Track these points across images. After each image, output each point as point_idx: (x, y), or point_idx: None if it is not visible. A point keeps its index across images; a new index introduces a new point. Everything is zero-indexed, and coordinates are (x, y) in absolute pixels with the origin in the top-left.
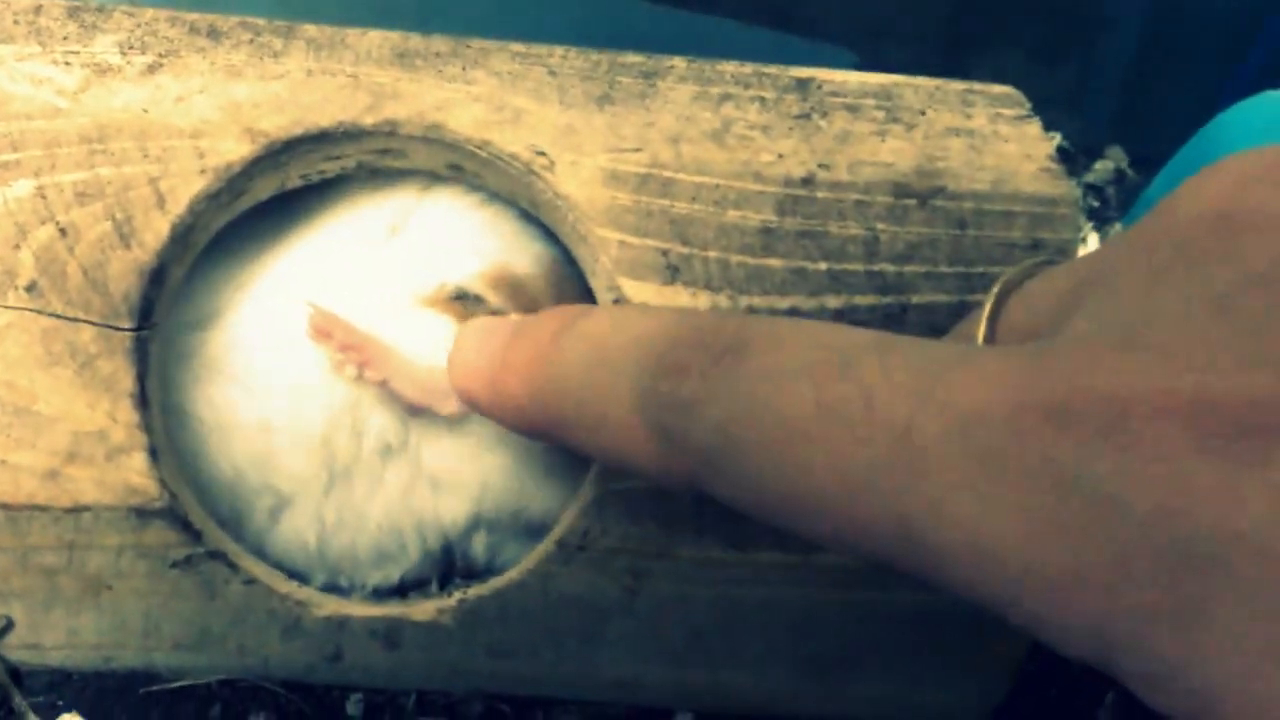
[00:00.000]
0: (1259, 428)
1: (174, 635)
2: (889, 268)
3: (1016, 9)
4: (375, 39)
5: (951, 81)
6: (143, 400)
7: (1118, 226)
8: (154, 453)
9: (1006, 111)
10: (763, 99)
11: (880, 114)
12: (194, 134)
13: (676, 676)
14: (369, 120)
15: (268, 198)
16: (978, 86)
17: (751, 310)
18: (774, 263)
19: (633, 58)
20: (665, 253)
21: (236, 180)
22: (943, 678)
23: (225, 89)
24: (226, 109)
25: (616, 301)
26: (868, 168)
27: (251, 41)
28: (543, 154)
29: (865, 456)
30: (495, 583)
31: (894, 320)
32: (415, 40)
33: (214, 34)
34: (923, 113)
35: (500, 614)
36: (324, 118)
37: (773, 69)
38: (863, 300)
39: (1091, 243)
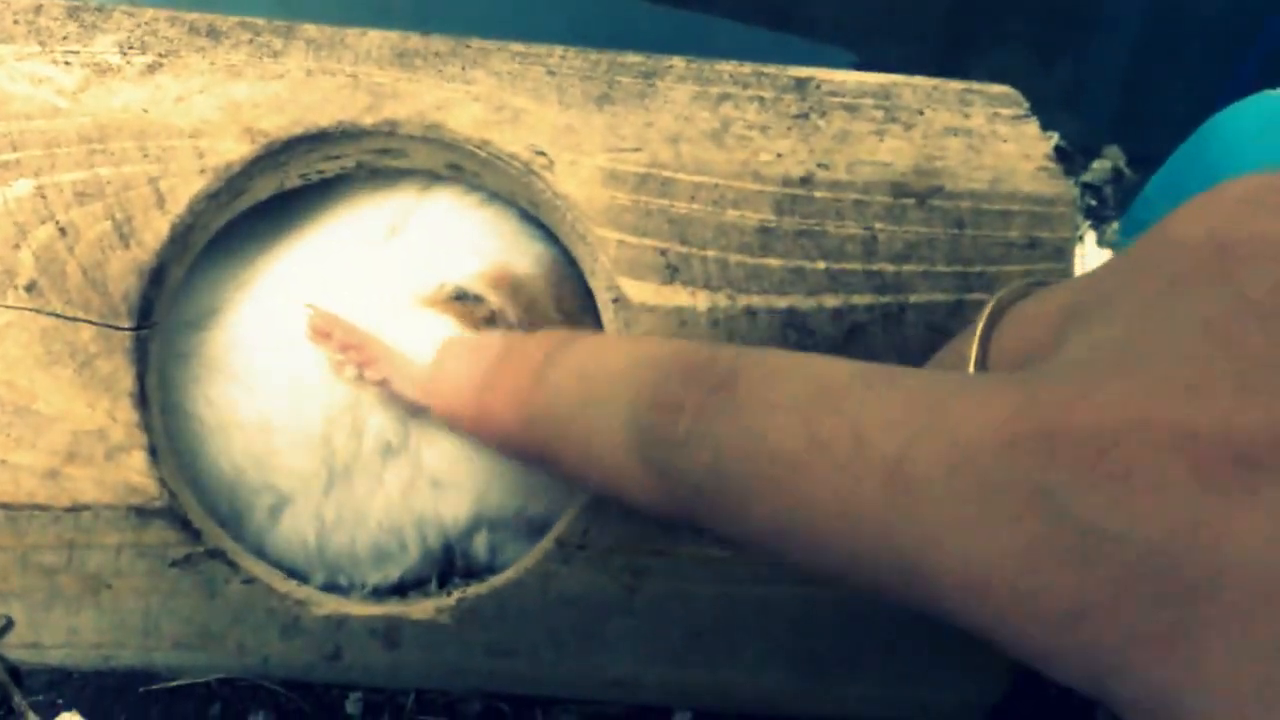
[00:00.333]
0: (1250, 459)
1: (173, 634)
2: (887, 267)
3: (1014, 9)
4: (375, 39)
5: (949, 81)
6: (142, 399)
7: (1115, 226)
8: (154, 452)
9: (1004, 111)
10: (761, 99)
11: (879, 114)
12: (194, 134)
13: (675, 676)
14: (368, 120)
15: (267, 197)
16: (976, 86)
17: (750, 310)
18: (772, 262)
19: (632, 58)
20: (664, 252)
21: (236, 180)
22: (941, 677)
23: (225, 89)
24: (226, 109)
25: (616, 301)
26: (866, 167)
27: (251, 41)
28: (542, 154)
29: (858, 490)
30: (494, 582)
31: (892, 319)
32: (415, 40)
33: (214, 34)
34: (921, 112)
35: (499, 613)
36: (323, 117)
37: (771, 69)
38: (861, 299)
39: (1089, 242)
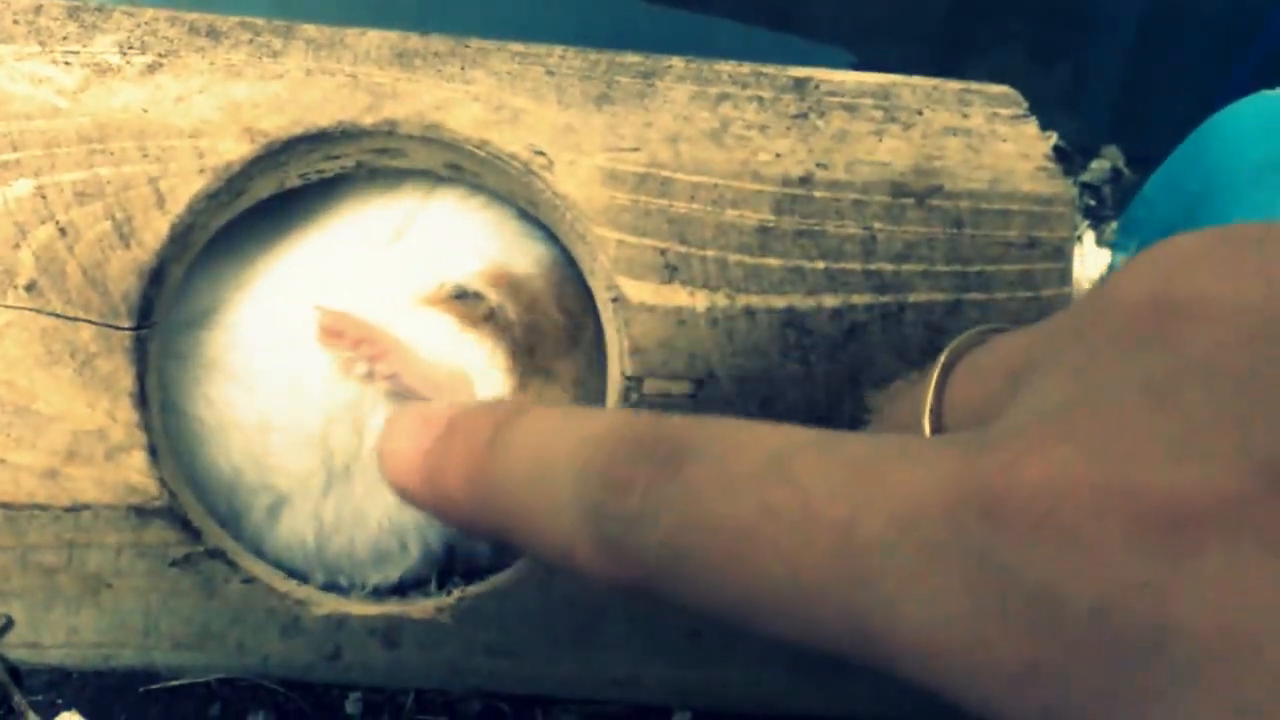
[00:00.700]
0: (1190, 520)
1: (173, 634)
2: (886, 267)
3: (1013, 9)
4: (374, 39)
5: (949, 81)
6: (142, 399)
7: (1114, 225)
8: (153, 451)
9: (1003, 111)
10: (760, 98)
11: (878, 113)
12: (193, 134)
13: (675, 675)
14: (368, 120)
15: (268, 197)
16: (975, 86)
17: (749, 309)
18: (772, 262)
19: (631, 57)
20: (663, 252)
21: (236, 180)
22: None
23: (225, 89)
24: (226, 109)
25: (615, 300)
26: (865, 167)
27: (251, 41)
28: (541, 153)
29: (811, 560)
30: (494, 581)
31: (891, 319)
32: (414, 40)
33: (213, 34)
34: (920, 112)
35: (499, 613)
36: (323, 117)
37: (770, 69)
38: (860, 299)
39: (1088, 242)
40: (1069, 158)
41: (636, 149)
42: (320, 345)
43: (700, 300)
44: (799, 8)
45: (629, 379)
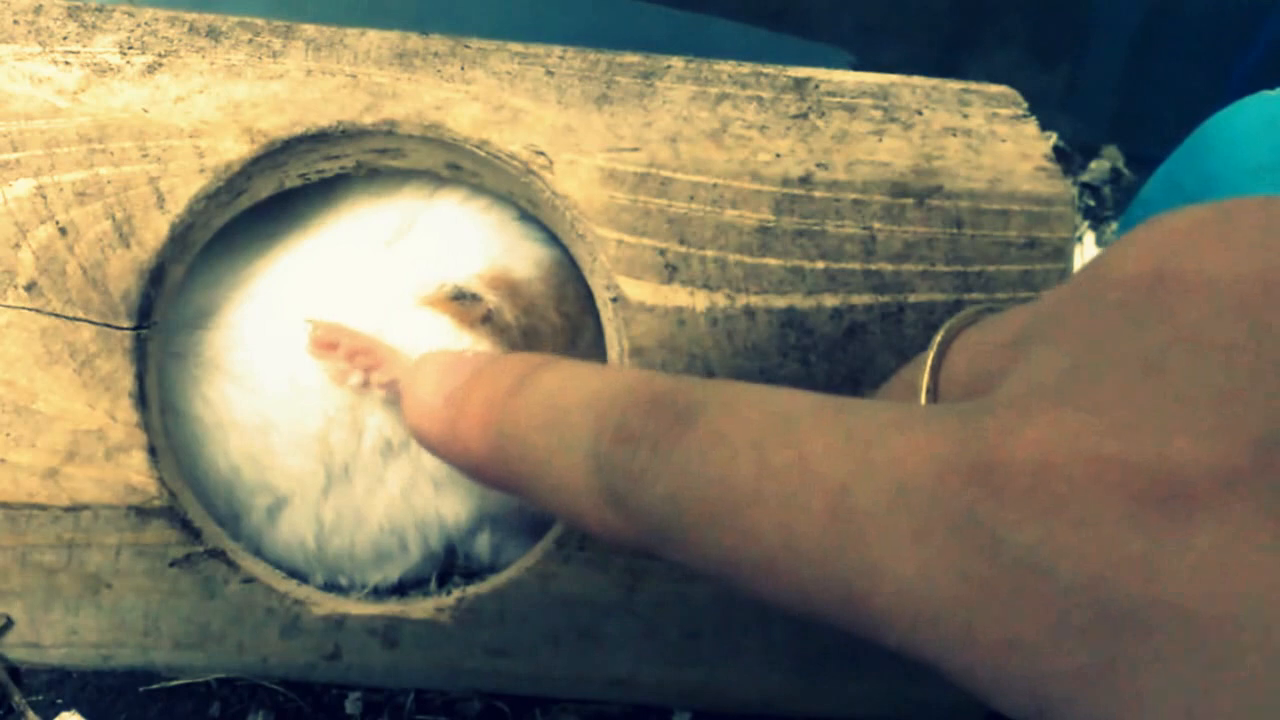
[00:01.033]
0: (1181, 493)
1: (173, 634)
2: (886, 266)
3: (1013, 9)
4: (374, 39)
5: (948, 81)
6: (142, 399)
7: (1114, 226)
8: (153, 451)
9: (1003, 111)
10: (760, 99)
11: (877, 113)
12: (193, 133)
13: (674, 676)
14: (368, 120)
15: (269, 196)
16: (974, 86)
17: (749, 309)
18: (772, 261)
19: (630, 58)
20: (663, 251)
21: (236, 180)
22: (939, 676)
23: (225, 89)
24: (226, 109)
25: (615, 300)
26: (865, 167)
27: (251, 41)
28: (541, 153)
29: (805, 521)
30: (494, 581)
31: (891, 318)
32: (414, 40)
33: (213, 34)
34: (920, 112)
35: (499, 613)
36: (323, 117)
37: (770, 69)
38: (859, 299)
39: (1088, 242)
40: (1069, 158)
41: (636, 149)
42: (312, 357)
43: (700, 300)
44: (798, 7)
45: None
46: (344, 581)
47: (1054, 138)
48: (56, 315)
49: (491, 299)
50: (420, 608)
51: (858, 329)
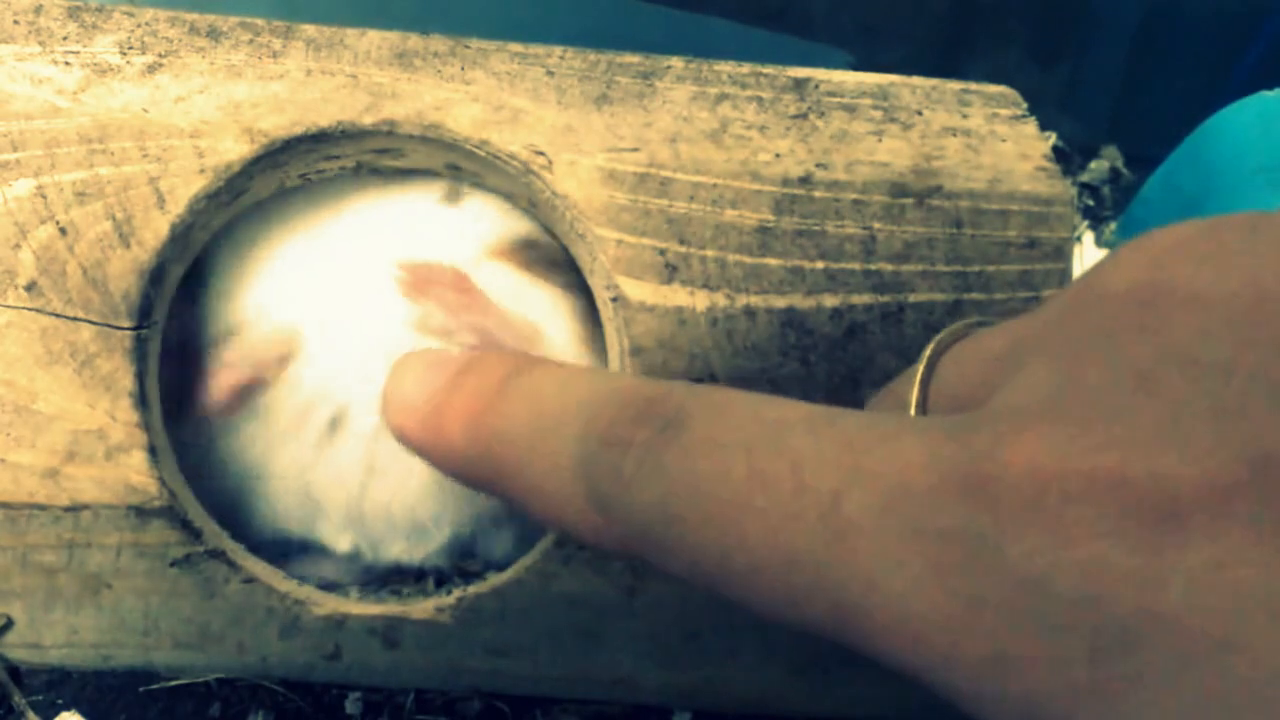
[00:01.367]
0: (1174, 510)
1: (173, 634)
2: (886, 267)
3: (1012, 9)
4: (374, 39)
5: (948, 81)
6: (142, 399)
7: (1113, 226)
8: (153, 451)
9: (1003, 111)
10: (760, 99)
11: (877, 113)
12: (193, 133)
13: (675, 676)
14: (368, 120)
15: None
16: (974, 86)
17: (749, 309)
18: (771, 262)
19: (630, 58)
20: (663, 252)
21: (236, 180)
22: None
23: (225, 89)
24: (226, 109)
25: (615, 300)
26: (865, 167)
27: (251, 41)
28: (541, 153)
29: (796, 530)
30: (494, 581)
31: (891, 318)
32: (414, 40)
33: (214, 34)
34: (919, 112)
35: (499, 613)
36: (323, 117)
37: (770, 69)
38: (859, 299)
39: (1087, 242)
40: (1068, 158)
41: (636, 149)
42: (404, 297)
43: (700, 300)
44: (798, 7)
45: None
46: (366, 545)
47: (1053, 138)
48: (57, 315)
49: (553, 242)
50: (420, 608)
51: (858, 329)
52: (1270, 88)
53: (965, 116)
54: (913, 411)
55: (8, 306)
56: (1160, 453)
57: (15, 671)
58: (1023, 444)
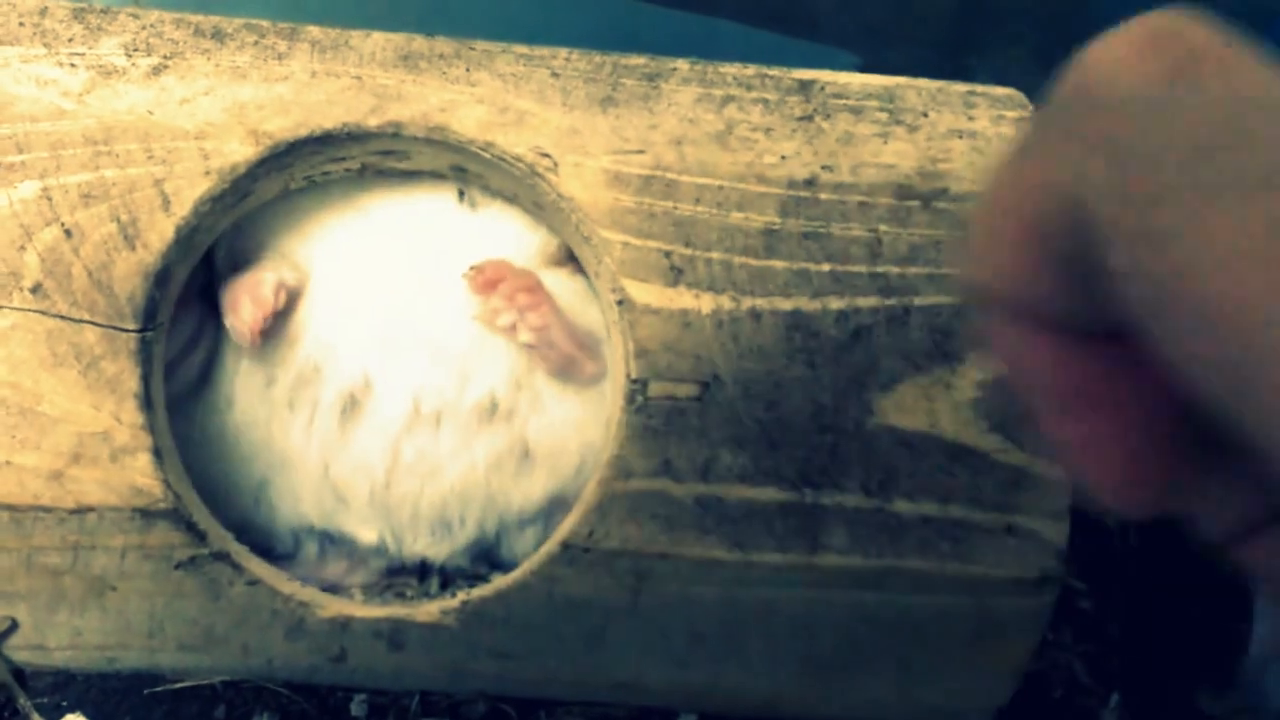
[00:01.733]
0: None
1: (178, 636)
2: (892, 269)
3: (1018, 11)
4: (379, 41)
5: (954, 84)
6: (147, 401)
7: None
8: (158, 453)
9: (1009, 113)
10: (766, 101)
11: (883, 116)
12: (199, 135)
13: (680, 678)
14: (373, 122)
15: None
16: (980, 88)
17: (754, 312)
18: (777, 264)
19: (636, 60)
20: (669, 254)
21: (241, 182)
22: (946, 679)
23: (230, 91)
24: (231, 110)
25: (620, 303)
26: (870, 169)
27: (256, 43)
28: (546, 155)
29: None
30: (499, 584)
31: (897, 321)
32: (419, 42)
33: (219, 36)
34: (925, 114)
35: (504, 615)
36: (328, 119)
37: (775, 71)
38: (865, 302)
39: None
40: None
41: (641, 151)
42: (476, 294)
43: (705, 303)
44: (803, 10)
45: (634, 382)
46: (390, 540)
47: None
48: (62, 317)
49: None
50: (425, 610)
51: (864, 332)
52: None
53: (971, 119)
54: None
55: (13, 309)
56: None
57: (20, 673)
58: None
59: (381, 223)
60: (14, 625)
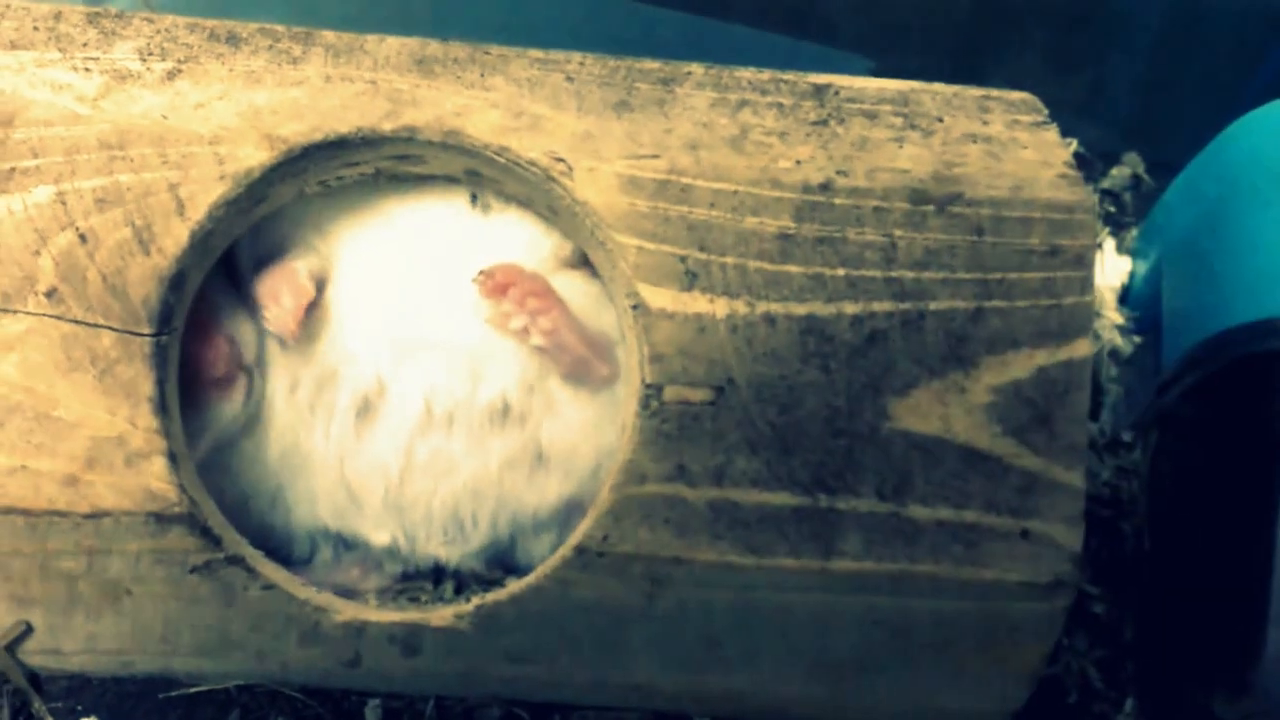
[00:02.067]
0: None
1: (193, 640)
2: (907, 274)
3: (1033, 15)
4: (394, 45)
5: (968, 88)
6: (162, 405)
7: (1134, 232)
8: (173, 458)
9: (1024, 118)
10: (780, 105)
11: (898, 120)
12: (213, 140)
13: (694, 683)
14: (387, 126)
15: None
16: (995, 93)
17: (769, 316)
18: (792, 269)
19: (650, 64)
20: (683, 259)
21: (256, 186)
22: (960, 684)
23: (245, 95)
24: (246, 115)
25: (635, 308)
26: (885, 174)
27: (270, 48)
28: (561, 160)
29: None
30: (513, 588)
31: (912, 326)
32: (434, 46)
33: (233, 40)
34: (940, 119)
35: (518, 620)
36: (343, 124)
37: (790, 75)
38: (880, 306)
39: (1108, 249)
40: (1089, 164)
41: (656, 156)
42: (486, 298)
43: (720, 307)
44: (818, 14)
45: (648, 386)
46: (404, 542)
47: (1074, 144)
48: (77, 322)
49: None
50: (440, 615)
51: (878, 336)
52: None
53: (986, 123)
54: None
55: (28, 313)
56: None
57: (35, 678)
58: None
59: (395, 227)
60: (29, 630)
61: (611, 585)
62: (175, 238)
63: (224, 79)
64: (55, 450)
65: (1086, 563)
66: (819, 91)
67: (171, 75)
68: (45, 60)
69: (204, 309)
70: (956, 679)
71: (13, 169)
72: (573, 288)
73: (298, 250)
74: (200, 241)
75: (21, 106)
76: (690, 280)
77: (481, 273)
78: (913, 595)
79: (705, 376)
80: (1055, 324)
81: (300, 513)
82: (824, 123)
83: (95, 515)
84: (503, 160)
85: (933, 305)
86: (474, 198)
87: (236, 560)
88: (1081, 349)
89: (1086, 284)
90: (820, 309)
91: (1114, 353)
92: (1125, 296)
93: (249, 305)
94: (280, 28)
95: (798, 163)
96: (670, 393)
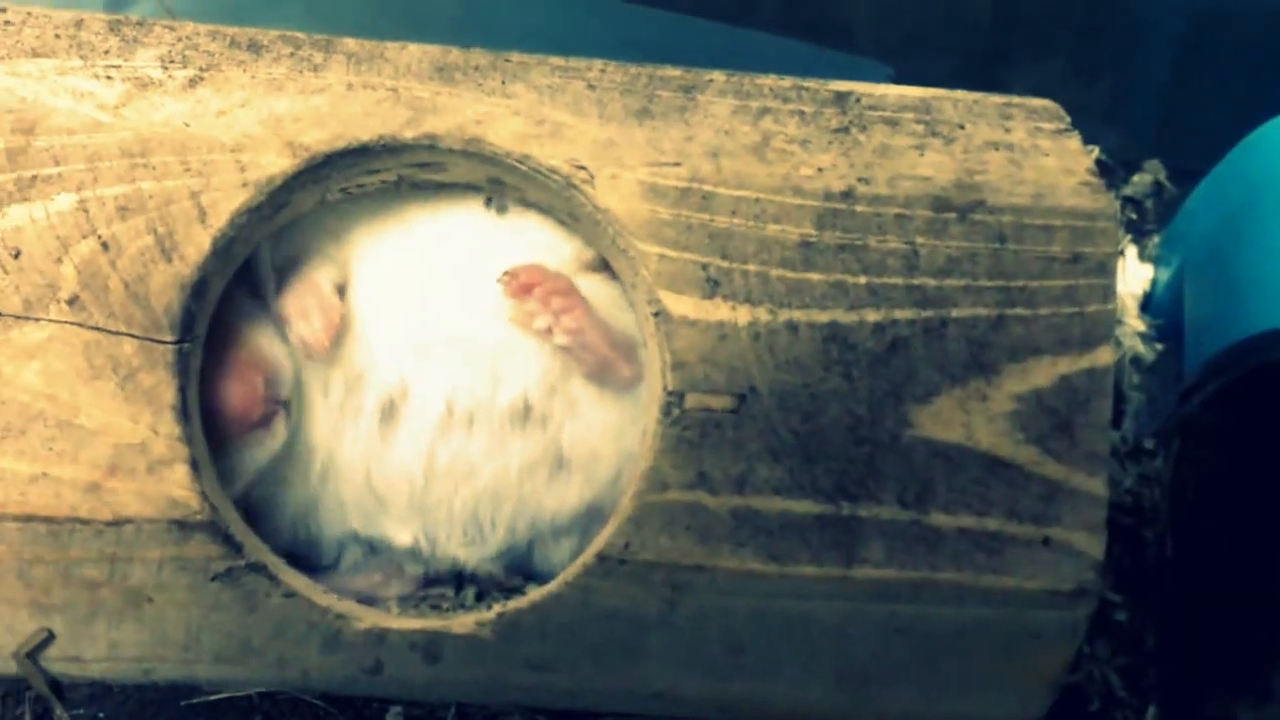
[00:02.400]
0: None
1: (214, 648)
2: (929, 281)
3: (1055, 22)
4: (415, 53)
5: (990, 95)
6: (184, 413)
7: (1156, 240)
8: (195, 465)
9: (1046, 125)
10: (802, 113)
11: (919, 128)
12: (235, 148)
13: (715, 690)
14: (409, 134)
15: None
16: (1016, 100)
17: (791, 324)
18: (814, 276)
19: (671, 71)
20: (705, 266)
21: (277, 194)
22: (982, 692)
23: (266, 103)
24: (267, 123)
25: (657, 315)
26: (907, 181)
27: (292, 55)
28: (582, 168)
29: None
30: (534, 596)
31: (934, 334)
32: (454, 54)
33: (254, 48)
34: (961, 126)
35: (540, 627)
36: (364, 131)
37: (811, 83)
38: (902, 314)
39: (1130, 256)
40: (1111, 171)
41: (678, 163)
42: (510, 298)
43: (742, 315)
44: (839, 21)
45: (670, 394)
46: (425, 543)
47: (1096, 151)
48: (99, 329)
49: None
50: (461, 623)
51: (900, 344)
52: None
53: (1008, 130)
54: None
55: (50, 321)
56: None
57: (57, 685)
58: None
59: (415, 230)
60: (51, 637)
61: (633, 593)
62: (197, 245)
63: (246, 86)
64: (77, 457)
65: (1109, 570)
66: (840, 99)
67: (193, 83)
68: (67, 68)
69: (228, 331)
70: (978, 687)
71: (35, 176)
72: (595, 289)
73: (315, 260)
74: (222, 249)
75: (43, 114)
76: (712, 288)
77: (506, 273)
78: (934, 603)
79: (727, 384)
80: (1077, 331)
81: (329, 519)
82: (845, 130)
83: (117, 523)
84: (524, 168)
85: (955, 313)
86: (489, 200)
87: (258, 567)
88: (1103, 356)
89: (1108, 291)
90: (842, 316)
91: (1136, 360)
92: (1147, 304)
93: (274, 318)
94: (301, 35)
95: (819, 170)
96: (692, 400)
